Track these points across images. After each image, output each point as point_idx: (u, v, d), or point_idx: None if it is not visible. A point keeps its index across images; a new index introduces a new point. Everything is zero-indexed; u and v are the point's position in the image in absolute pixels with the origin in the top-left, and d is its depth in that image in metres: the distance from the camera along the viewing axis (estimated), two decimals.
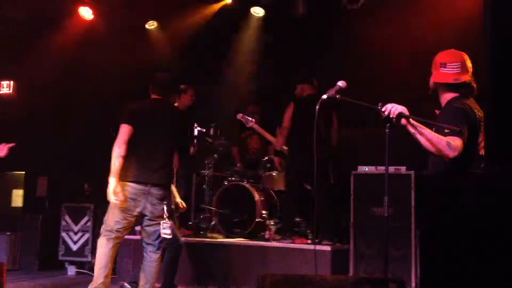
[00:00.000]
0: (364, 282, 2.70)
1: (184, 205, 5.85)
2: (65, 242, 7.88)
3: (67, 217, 7.95)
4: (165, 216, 4.68)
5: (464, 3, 6.39)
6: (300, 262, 5.76)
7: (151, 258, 4.83)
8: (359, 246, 5.63)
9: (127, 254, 6.84)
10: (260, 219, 6.66)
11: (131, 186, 4.64)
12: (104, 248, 4.69)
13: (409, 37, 6.91)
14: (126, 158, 4.63)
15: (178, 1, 8.05)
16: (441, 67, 3.42)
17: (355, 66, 7.01)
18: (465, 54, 3.44)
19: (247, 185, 6.92)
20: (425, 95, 4.05)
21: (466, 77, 3.38)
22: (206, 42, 8.45)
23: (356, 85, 5.42)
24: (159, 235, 4.74)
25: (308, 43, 7.80)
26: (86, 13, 8.10)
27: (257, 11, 7.68)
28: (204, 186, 7.22)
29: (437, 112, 3.56)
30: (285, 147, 6.90)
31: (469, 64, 3.43)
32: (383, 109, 3.27)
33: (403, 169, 5.44)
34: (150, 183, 4.66)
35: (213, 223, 7.00)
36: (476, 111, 3.31)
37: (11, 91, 9.34)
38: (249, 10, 7.72)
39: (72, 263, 7.77)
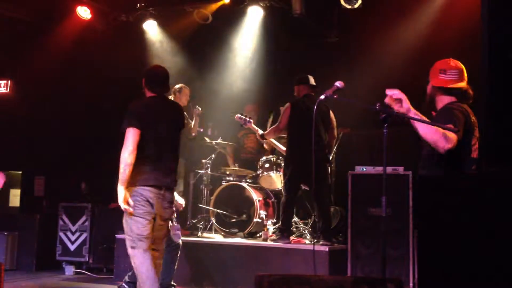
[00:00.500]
0: (362, 282, 2.70)
1: (181, 202, 5.86)
2: (62, 242, 7.87)
3: (64, 217, 7.94)
4: (174, 219, 4.61)
5: (463, 3, 6.40)
6: (297, 262, 5.76)
7: (160, 254, 4.67)
8: (356, 246, 5.62)
9: (124, 254, 6.81)
10: (258, 219, 6.67)
11: (149, 191, 4.44)
12: (144, 262, 4.45)
13: (408, 37, 6.91)
14: (138, 161, 4.44)
15: (176, 1, 8.04)
16: (440, 73, 3.60)
17: (354, 66, 7.01)
18: (461, 64, 3.63)
19: (246, 185, 6.92)
20: (423, 96, 4.12)
21: (463, 85, 3.57)
22: (203, 41, 8.45)
23: (354, 86, 5.44)
24: (167, 239, 4.65)
25: (306, 43, 7.80)
26: (84, 12, 8.10)
27: (255, 11, 7.68)
28: (201, 186, 7.22)
29: (434, 113, 3.59)
30: (265, 146, 6.96)
31: (465, 74, 3.61)
32: (389, 93, 3.38)
33: (400, 169, 5.45)
34: (165, 187, 4.52)
35: (210, 223, 7.01)
36: (471, 115, 3.46)
37: (8, 90, 9.33)
38: (247, 10, 7.71)
39: (69, 263, 7.76)
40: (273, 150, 7.15)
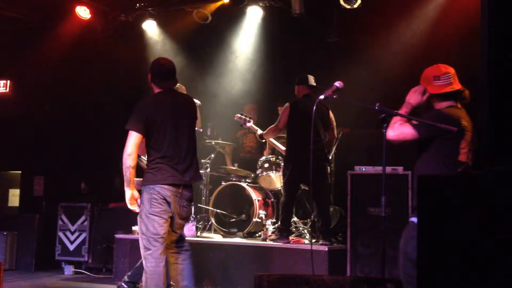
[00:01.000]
0: (361, 282, 2.70)
1: None
2: (62, 242, 7.87)
3: (64, 217, 7.94)
4: (191, 218, 4.55)
5: (462, 3, 6.40)
6: (297, 262, 5.76)
7: (185, 256, 4.57)
8: (356, 246, 5.63)
9: (123, 254, 6.83)
10: (257, 219, 6.67)
11: (167, 189, 4.36)
12: (157, 266, 4.35)
13: (408, 37, 6.92)
14: (155, 161, 4.41)
15: (175, 1, 8.04)
16: (434, 80, 3.62)
17: (354, 66, 7.01)
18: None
19: (245, 185, 6.92)
20: None
21: (459, 86, 3.61)
22: (203, 41, 8.46)
23: (354, 85, 5.44)
24: (184, 237, 4.61)
25: (305, 43, 7.80)
26: (83, 12, 8.09)
27: (255, 11, 7.67)
28: (200, 186, 7.22)
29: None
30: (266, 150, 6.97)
31: (456, 75, 3.65)
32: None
33: (400, 169, 5.45)
34: (182, 185, 4.41)
35: (210, 223, 7.00)
36: (461, 119, 3.49)
37: (7, 90, 9.33)
38: (246, 10, 7.71)
39: (69, 263, 7.76)
40: (273, 150, 7.15)
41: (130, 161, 4.32)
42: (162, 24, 8.33)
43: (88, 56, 8.47)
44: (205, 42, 8.48)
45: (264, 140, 6.70)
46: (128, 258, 6.74)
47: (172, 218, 4.45)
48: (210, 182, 7.34)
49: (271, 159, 6.92)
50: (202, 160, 7.27)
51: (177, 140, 4.44)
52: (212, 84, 8.32)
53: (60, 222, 7.94)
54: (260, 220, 6.67)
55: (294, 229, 6.61)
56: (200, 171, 7.25)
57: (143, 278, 4.44)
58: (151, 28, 8.33)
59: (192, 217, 4.64)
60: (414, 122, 3.50)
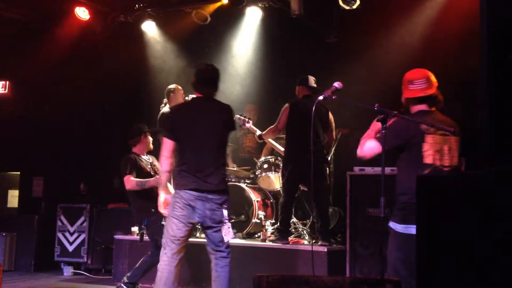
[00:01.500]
0: (361, 283, 2.70)
1: None
2: (61, 243, 7.87)
3: (63, 218, 7.94)
4: (225, 221, 4.55)
5: (462, 3, 6.40)
6: (296, 263, 5.75)
7: (223, 263, 4.60)
8: (355, 246, 5.62)
9: (123, 255, 6.83)
10: (257, 220, 6.66)
11: (188, 193, 4.41)
12: (168, 265, 4.47)
13: (407, 37, 6.92)
14: (180, 166, 4.49)
15: (174, 2, 8.04)
16: (409, 84, 3.80)
17: (353, 66, 7.01)
18: (428, 71, 3.81)
19: (244, 186, 6.92)
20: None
21: (432, 91, 3.75)
22: (202, 42, 8.45)
23: (353, 86, 5.44)
24: (223, 243, 4.59)
25: (305, 44, 7.80)
26: (82, 13, 8.09)
27: (254, 12, 7.68)
28: None
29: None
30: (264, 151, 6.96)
31: (433, 79, 3.78)
32: None
33: None
34: (206, 190, 4.42)
35: None
36: (412, 129, 3.67)
37: (6, 91, 9.33)
38: (245, 11, 7.71)
39: (68, 263, 7.76)
40: (272, 151, 7.15)
41: (164, 165, 4.47)
42: (161, 25, 8.33)
43: (87, 57, 8.46)
44: (204, 42, 8.47)
45: (262, 141, 6.70)
46: (127, 259, 6.74)
47: (204, 223, 4.50)
48: None
49: (270, 160, 6.92)
50: None
51: (201, 148, 4.47)
52: None
53: (59, 223, 7.94)
54: (259, 221, 6.66)
55: (293, 230, 6.61)
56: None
57: (156, 276, 4.52)
58: (150, 29, 8.32)
59: (226, 219, 4.61)
60: (379, 135, 3.69)
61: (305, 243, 6.24)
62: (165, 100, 7.22)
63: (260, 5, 7.58)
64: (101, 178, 8.53)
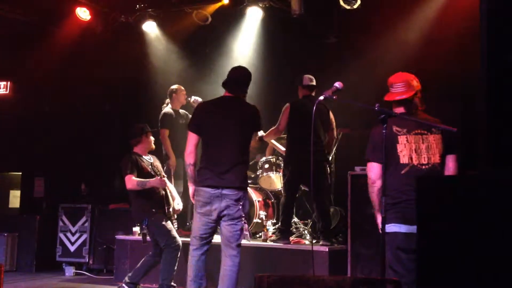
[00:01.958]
0: (362, 283, 2.70)
1: (180, 207, 5.88)
2: (62, 243, 7.88)
3: (64, 218, 7.95)
4: (241, 220, 4.62)
5: (462, 3, 6.40)
6: (297, 263, 5.75)
7: (232, 262, 4.69)
8: (356, 246, 5.62)
9: (124, 255, 6.84)
10: (258, 219, 6.67)
11: (204, 191, 4.58)
12: (190, 261, 4.74)
13: (408, 37, 6.91)
14: (202, 161, 4.68)
15: (175, 2, 8.04)
16: (390, 87, 3.96)
17: (354, 66, 7.01)
18: (410, 75, 3.97)
19: None
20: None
21: (408, 95, 3.88)
22: (203, 42, 8.46)
23: (354, 86, 5.45)
24: (238, 238, 4.66)
25: (305, 44, 7.80)
26: (83, 13, 8.09)
27: (254, 12, 7.68)
28: None
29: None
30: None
31: (414, 83, 3.93)
32: None
33: None
34: (222, 186, 4.54)
35: None
36: (391, 129, 3.81)
37: (8, 91, 9.34)
38: (246, 11, 7.71)
39: (69, 264, 7.76)
40: (274, 150, 7.15)
41: (188, 159, 4.67)
42: (162, 25, 8.34)
43: (88, 57, 8.47)
44: (205, 42, 8.48)
45: (261, 142, 6.71)
46: (128, 259, 6.74)
47: (220, 219, 4.64)
48: None
49: (271, 159, 6.92)
50: None
51: (221, 144, 4.61)
52: (212, 85, 8.31)
53: (60, 223, 7.95)
54: (260, 221, 6.67)
55: (294, 230, 6.61)
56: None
57: None
58: (151, 29, 8.33)
59: (242, 218, 4.65)
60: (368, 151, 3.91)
61: (306, 243, 6.25)
62: (167, 100, 7.23)
63: (260, 5, 7.59)
64: (102, 178, 8.54)
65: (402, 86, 3.88)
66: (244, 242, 6.41)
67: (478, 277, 2.44)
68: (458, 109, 6.09)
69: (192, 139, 4.64)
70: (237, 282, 4.71)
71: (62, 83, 8.66)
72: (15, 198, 9.18)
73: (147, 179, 5.54)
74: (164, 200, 5.66)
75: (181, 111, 7.29)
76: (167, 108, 7.17)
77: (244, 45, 8.18)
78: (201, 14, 7.85)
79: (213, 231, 4.74)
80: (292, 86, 6.47)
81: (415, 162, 3.77)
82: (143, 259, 5.73)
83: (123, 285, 5.67)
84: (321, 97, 3.83)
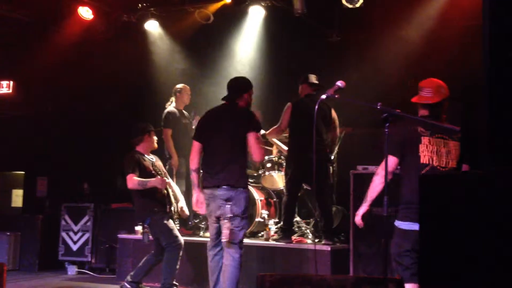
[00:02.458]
0: (364, 282, 2.70)
1: (187, 212, 5.90)
2: (65, 242, 7.89)
3: (67, 217, 7.96)
4: (227, 219, 4.71)
5: (465, 1, 6.39)
6: (299, 262, 5.75)
7: (228, 259, 4.78)
8: (358, 246, 5.62)
9: (126, 254, 6.84)
10: (260, 219, 6.66)
11: (204, 192, 4.90)
12: (208, 261, 4.96)
13: (410, 36, 6.91)
14: (202, 165, 4.98)
15: (177, 1, 8.05)
16: (419, 90, 4.11)
17: (356, 65, 7.01)
18: (441, 82, 4.13)
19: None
20: None
21: (435, 100, 4.02)
22: (205, 41, 8.46)
23: (356, 85, 5.44)
24: (233, 237, 4.74)
25: (307, 42, 7.79)
26: (85, 13, 8.10)
27: (256, 10, 7.68)
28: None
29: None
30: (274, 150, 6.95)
31: (442, 90, 4.09)
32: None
33: None
34: (213, 186, 4.79)
35: None
36: (417, 128, 3.94)
37: (10, 91, 9.35)
38: (248, 10, 7.71)
39: (72, 263, 7.78)
40: (263, 136, 7.11)
41: (191, 165, 4.99)
42: (164, 24, 8.34)
43: (91, 57, 8.48)
44: (207, 41, 8.48)
45: (265, 140, 6.70)
46: (131, 258, 6.75)
47: (218, 218, 4.83)
48: None
49: (274, 159, 6.92)
50: None
51: (215, 148, 4.87)
52: (214, 83, 8.32)
53: (63, 223, 7.96)
54: (262, 220, 6.66)
55: (296, 229, 6.61)
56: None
57: None
58: (153, 28, 8.34)
59: (229, 217, 4.71)
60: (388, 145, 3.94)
61: (309, 242, 6.24)
62: (172, 98, 7.24)
63: (263, 4, 7.58)
64: (105, 178, 8.55)
65: (430, 91, 4.04)
66: (246, 241, 6.41)
67: (480, 275, 2.43)
68: (460, 107, 6.08)
69: (194, 146, 4.96)
70: (236, 279, 4.77)
71: (65, 82, 8.67)
72: (17, 198, 9.20)
73: (148, 179, 5.53)
74: (166, 200, 5.66)
75: (185, 112, 7.30)
76: (171, 107, 7.17)
77: (246, 44, 8.19)
78: (203, 13, 7.85)
79: (219, 231, 4.87)
80: (294, 84, 6.47)
81: (435, 163, 3.91)
82: (145, 258, 5.73)
83: (125, 284, 5.68)
84: (323, 96, 3.82)
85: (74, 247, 7.84)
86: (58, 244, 7.90)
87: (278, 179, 6.90)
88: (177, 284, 5.58)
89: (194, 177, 4.95)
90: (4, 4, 7.93)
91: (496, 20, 3.93)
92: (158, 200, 5.59)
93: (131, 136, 5.83)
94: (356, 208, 5.63)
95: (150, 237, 5.64)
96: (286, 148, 6.61)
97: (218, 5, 7.79)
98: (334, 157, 6.54)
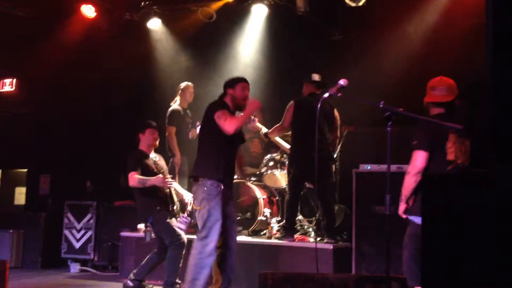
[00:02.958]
0: (366, 281, 2.71)
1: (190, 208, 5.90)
2: (67, 240, 7.90)
3: (69, 215, 7.97)
4: (187, 210, 4.83)
5: (467, 2, 6.37)
6: (302, 261, 5.75)
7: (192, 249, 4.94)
8: (361, 244, 5.62)
9: (129, 252, 6.85)
10: (262, 217, 6.67)
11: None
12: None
13: (413, 35, 6.89)
14: None
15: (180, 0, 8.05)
16: (431, 90, 4.21)
17: (359, 64, 7.00)
18: (451, 80, 4.21)
19: (250, 183, 6.92)
20: (424, 93, 4.32)
21: (450, 98, 4.14)
22: (208, 39, 8.45)
23: (359, 83, 5.43)
24: (197, 228, 4.92)
25: (310, 41, 7.78)
26: (88, 11, 8.10)
27: (259, 9, 7.67)
28: None
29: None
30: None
31: (454, 89, 4.19)
32: None
33: (405, 167, 5.40)
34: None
35: None
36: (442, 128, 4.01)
37: (13, 89, 9.36)
38: (251, 8, 7.71)
39: (75, 260, 7.79)
40: (265, 134, 7.10)
41: None
42: (167, 22, 8.34)
43: (94, 55, 8.48)
44: (210, 40, 8.47)
45: (268, 139, 6.70)
46: (134, 256, 6.76)
47: None
48: None
49: (276, 157, 6.91)
50: None
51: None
52: (217, 82, 8.30)
53: (66, 220, 7.97)
54: (265, 219, 6.67)
55: (299, 228, 6.61)
56: None
57: None
58: (156, 26, 8.34)
59: (187, 210, 4.87)
60: (415, 143, 4.10)
61: (311, 240, 6.24)
62: (177, 97, 7.26)
63: (265, 2, 7.58)
64: (107, 176, 8.55)
65: (444, 89, 4.13)
66: (248, 239, 6.43)
67: (483, 276, 2.43)
68: (464, 106, 6.06)
69: None
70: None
71: (68, 80, 8.68)
72: (20, 195, 9.20)
73: (148, 177, 5.54)
74: (169, 198, 5.67)
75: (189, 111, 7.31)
76: (175, 105, 7.18)
77: (249, 42, 8.18)
78: (206, 11, 7.85)
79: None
80: (297, 83, 6.46)
81: (459, 160, 4.02)
82: (148, 256, 5.74)
83: (128, 281, 5.69)
84: (326, 95, 3.82)
85: (77, 245, 7.85)
86: (61, 241, 7.91)
87: (280, 178, 6.90)
88: (179, 282, 5.58)
89: None
90: (6, 2, 7.93)
91: (499, 20, 3.93)
92: (160, 198, 5.60)
93: (136, 131, 5.90)
94: (358, 206, 5.67)
95: (153, 235, 5.65)
96: (288, 146, 6.61)
97: (220, 3, 7.79)
98: (336, 156, 6.54)
